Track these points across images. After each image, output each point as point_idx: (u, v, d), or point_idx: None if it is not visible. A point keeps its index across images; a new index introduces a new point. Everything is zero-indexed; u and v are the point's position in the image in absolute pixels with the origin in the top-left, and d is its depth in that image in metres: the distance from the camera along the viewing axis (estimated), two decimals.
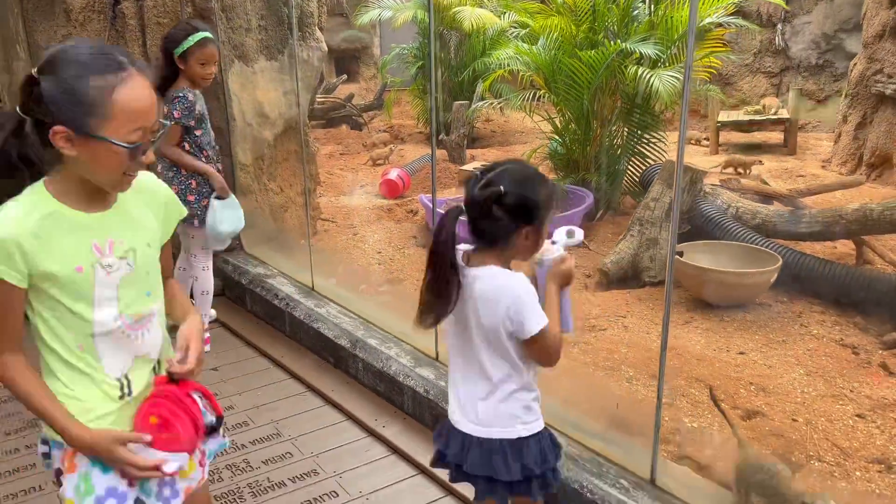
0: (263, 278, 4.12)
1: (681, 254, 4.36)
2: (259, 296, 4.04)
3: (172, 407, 1.46)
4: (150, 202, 1.54)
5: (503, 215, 1.64)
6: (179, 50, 3.23)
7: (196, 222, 3.39)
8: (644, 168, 6.34)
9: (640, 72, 5.69)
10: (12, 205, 1.37)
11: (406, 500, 2.52)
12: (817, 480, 2.68)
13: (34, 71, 1.33)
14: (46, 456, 1.55)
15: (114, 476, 1.45)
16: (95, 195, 1.43)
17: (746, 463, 2.52)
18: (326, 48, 5.35)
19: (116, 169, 1.37)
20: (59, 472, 1.50)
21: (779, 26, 10.87)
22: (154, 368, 1.54)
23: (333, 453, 2.80)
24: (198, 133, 3.39)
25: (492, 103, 7.82)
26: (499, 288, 1.67)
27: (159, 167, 3.40)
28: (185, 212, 1.65)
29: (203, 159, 3.42)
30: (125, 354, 1.48)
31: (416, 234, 6.02)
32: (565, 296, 1.79)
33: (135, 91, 1.33)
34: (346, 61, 13.67)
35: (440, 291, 1.68)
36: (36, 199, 1.38)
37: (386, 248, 5.73)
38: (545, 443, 1.80)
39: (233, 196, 3.51)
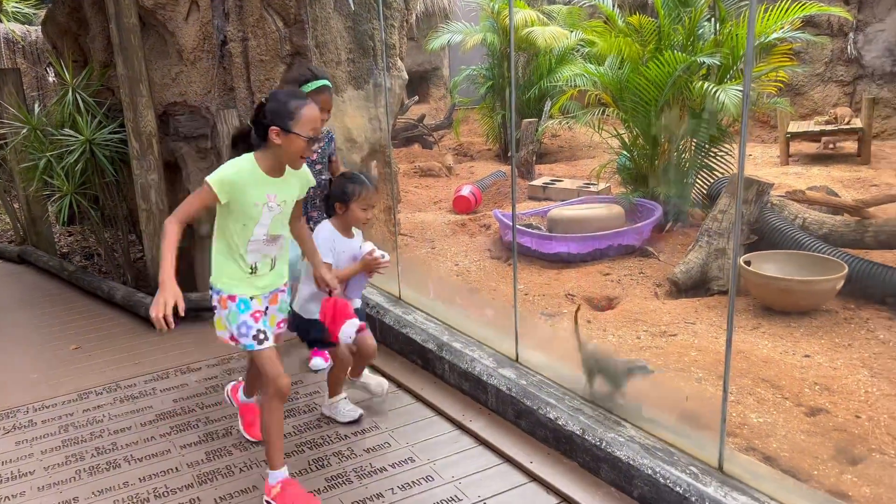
0: None
1: (748, 263, 4.54)
2: None
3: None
4: (299, 177, 2.68)
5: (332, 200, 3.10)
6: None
7: None
8: (711, 181, 6.50)
9: (706, 86, 5.88)
10: (242, 161, 2.54)
11: (493, 484, 2.78)
12: (878, 470, 2.85)
13: (263, 99, 2.55)
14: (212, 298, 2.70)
15: (248, 314, 2.62)
16: (278, 167, 2.57)
17: (587, 354, 3.19)
18: (407, 76, 5.76)
19: (298, 153, 2.52)
20: (214, 308, 2.69)
21: (850, 35, 10.76)
22: (271, 263, 2.70)
23: (426, 444, 3.12)
24: None
25: (560, 121, 8.11)
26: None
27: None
28: (313, 182, 2.79)
29: None
30: (259, 254, 2.64)
31: (489, 248, 6.35)
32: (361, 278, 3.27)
33: (312, 110, 2.51)
34: (416, 83, 14.18)
35: None
36: (250, 162, 2.54)
37: (463, 260, 6.07)
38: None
39: None
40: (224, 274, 2.63)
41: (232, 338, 2.66)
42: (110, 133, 5.12)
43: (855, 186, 7.50)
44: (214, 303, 2.69)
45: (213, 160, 4.96)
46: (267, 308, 2.72)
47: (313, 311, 3.08)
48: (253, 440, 3.19)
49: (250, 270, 2.64)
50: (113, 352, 4.28)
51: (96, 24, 5.40)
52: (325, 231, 3.11)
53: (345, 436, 3.22)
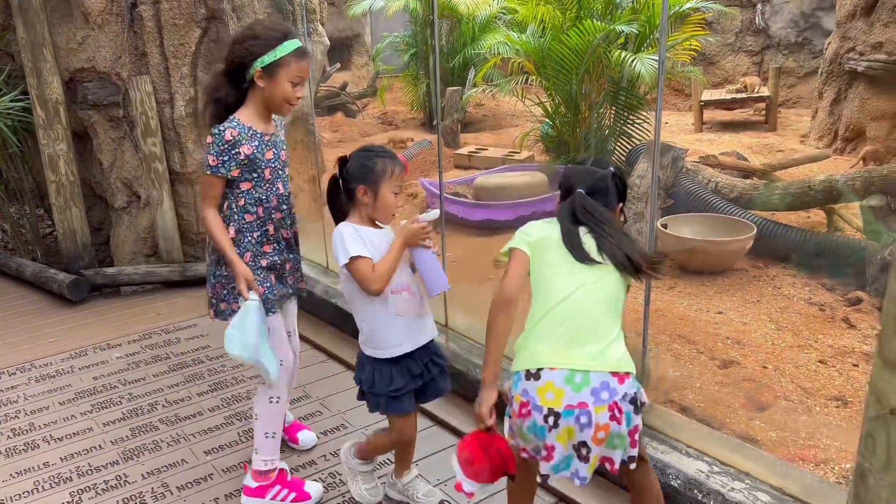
0: None
1: (665, 225, 4.72)
2: None
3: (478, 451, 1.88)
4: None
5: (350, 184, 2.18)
6: (269, 59, 2.24)
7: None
8: (630, 147, 6.70)
9: (623, 55, 6.03)
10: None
11: (426, 446, 2.84)
12: (783, 416, 3.06)
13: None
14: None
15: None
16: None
17: None
18: (329, 42, 5.65)
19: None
20: None
21: (758, 6, 11.19)
22: None
23: (357, 411, 3.11)
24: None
25: (484, 89, 8.14)
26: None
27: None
28: None
29: None
30: None
31: (417, 216, 6.35)
32: (422, 255, 2.21)
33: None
34: (337, 50, 13.91)
35: None
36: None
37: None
38: (378, 369, 2.22)
39: None
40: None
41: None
42: (11, 101, 4.82)
43: (763, 152, 7.87)
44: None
45: (126, 129, 4.76)
46: None
47: None
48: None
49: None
50: (25, 331, 4.10)
51: None
52: (344, 228, 2.17)
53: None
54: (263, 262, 2.42)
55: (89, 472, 2.77)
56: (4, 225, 6.02)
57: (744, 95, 9.55)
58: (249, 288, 2.31)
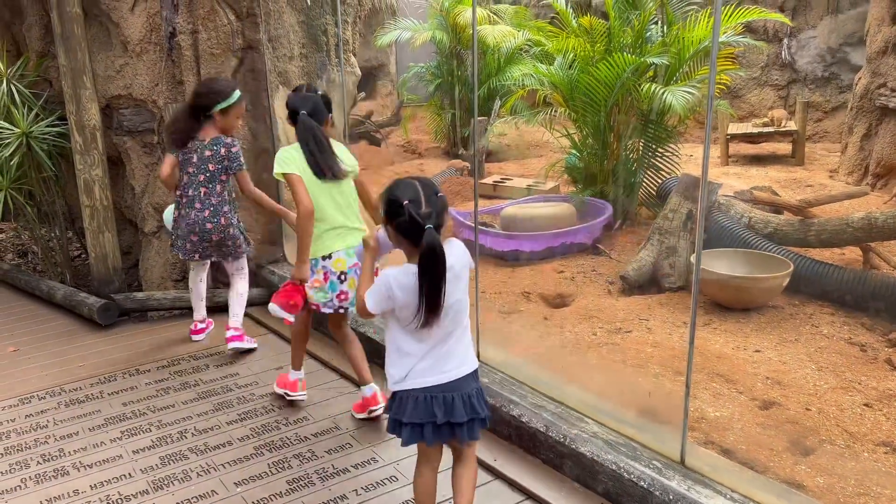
0: None
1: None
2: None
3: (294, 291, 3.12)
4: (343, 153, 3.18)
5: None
6: (226, 104, 3.66)
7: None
8: (658, 180, 6.65)
9: (653, 88, 6.01)
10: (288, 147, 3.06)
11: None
12: (829, 460, 2.96)
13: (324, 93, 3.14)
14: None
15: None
16: None
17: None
18: (360, 72, 5.70)
19: None
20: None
21: (784, 41, 11.18)
22: None
23: (388, 444, 3.05)
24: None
25: (509, 120, 8.15)
26: None
27: (226, 208, 3.84)
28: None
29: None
30: None
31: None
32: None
33: None
34: (363, 79, 14.01)
35: None
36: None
37: None
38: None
39: None
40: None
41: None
42: (48, 126, 4.90)
43: (791, 186, 7.79)
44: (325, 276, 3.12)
45: (160, 155, 4.80)
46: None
47: None
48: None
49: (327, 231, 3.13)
50: (55, 354, 4.09)
51: (33, 13, 5.16)
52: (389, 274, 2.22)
53: (305, 438, 3.16)
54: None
55: (119, 501, 2.74)
56: (35, 247, 6.08)
57: (771, 129, 9.49)
58: None
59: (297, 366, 3.43)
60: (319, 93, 3.11)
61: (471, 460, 2.36)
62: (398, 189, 2.10)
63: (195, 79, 4.52)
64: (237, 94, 3.72)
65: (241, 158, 3.78)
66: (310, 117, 2.99)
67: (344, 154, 3.13)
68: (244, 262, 4.06)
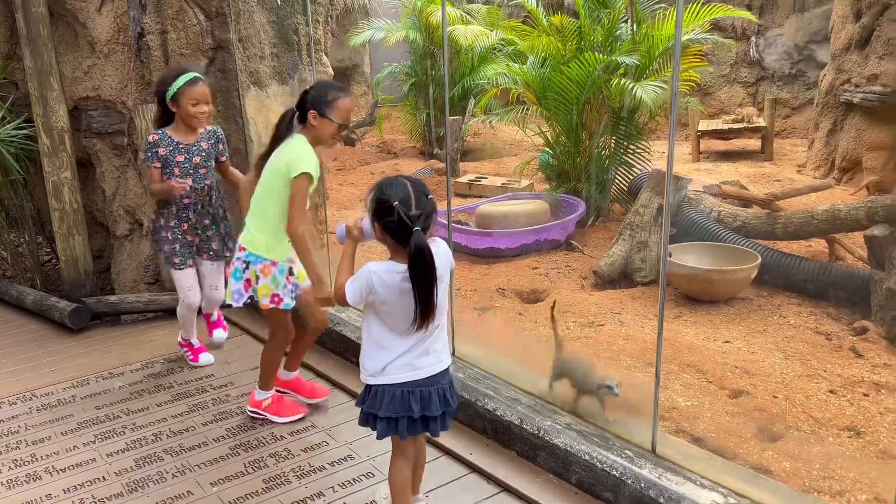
0: None
1: (669, 255, 4.73)
2: None
3: None
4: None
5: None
6: (170, 92, 3.38)
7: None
8: (630, 177, 6.73)
9: (624, 83, 6.09)
10: (302, 143, 2.85)
11: (434, 477, 2.72)
12: (795, 446, 3.04)
13: (308, 88, 2.90)
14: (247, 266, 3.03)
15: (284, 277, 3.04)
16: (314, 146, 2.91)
17: (562, 359, 3.13)
18: (332, 72, 5.69)
19: (331, 135, 2.88)
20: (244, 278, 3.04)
21: (752, 38, 11.36)
22: None
23: (364, 441, 3.07)
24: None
25: (484, 119, 8.21)
26: None
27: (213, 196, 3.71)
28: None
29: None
30: None
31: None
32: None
33: (347, 102, 2.90)
34: (336, 79, 13.98)
35: None
36: (305, 141, 2.86)
37: None
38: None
39: None
40: (266, 243, 2.97)
41: (274, 299, 3.03)
42: (15, 129, 4.83)
43: (760, 181, 7.92)
44: (251, 270, 3.01)
45: (130, 157, 4.77)
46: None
47: None
48: (315, 401, 3.43)
49: (288, 239, 2.93)
50: (26, 359, 4.05)
51: None
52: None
53: (281, 436, 3.16)
54: (170, 236, 3.59)
55: None
56: (3, 252, 5.99)
57: (740, 126, 9.64)
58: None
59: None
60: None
61: (422, 445, 2.50)
62: (389, 188, 2.09)
63: None
64: (184, 77, 3.38)
65: (148, 153, 3.48)
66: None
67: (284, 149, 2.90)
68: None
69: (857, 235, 5.20)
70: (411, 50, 10.70)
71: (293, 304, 3.12)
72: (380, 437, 2.28)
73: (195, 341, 3.93)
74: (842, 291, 4.52)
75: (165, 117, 3.52)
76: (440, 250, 2.18)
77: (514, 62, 7.75)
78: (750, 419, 3.23)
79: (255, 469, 2.91)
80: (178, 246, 3.60)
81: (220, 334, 4.04)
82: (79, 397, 3.58)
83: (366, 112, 12.79)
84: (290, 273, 3.10)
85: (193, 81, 3.39)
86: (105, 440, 3.17)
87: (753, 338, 4.08)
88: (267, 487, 2.79)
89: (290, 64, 5.01)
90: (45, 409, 3.47)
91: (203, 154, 3.57)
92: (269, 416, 3.29)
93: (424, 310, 2.09)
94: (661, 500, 2.39)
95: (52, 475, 2.92)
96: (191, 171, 3.53)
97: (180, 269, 3.62)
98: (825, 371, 3.66)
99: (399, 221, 2.04)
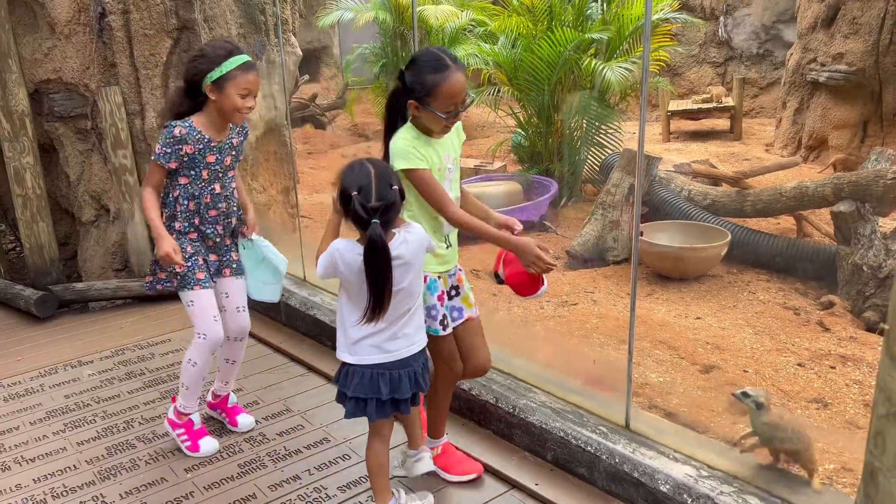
0: None
1: (641, 233, 4.77)
2: None
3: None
4: (457, 131, 2.42)
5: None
6: (216, 75, 2.55)
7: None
8: (602, 157, 6.76)
9: (594, 63, 6.10)
10: (404, 132, 2.26)
11: None
12: None
13: (403, 67, 2.27)
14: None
15: (436, 297, 2.38)
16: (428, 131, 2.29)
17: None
18: (301, 53, 5.61)
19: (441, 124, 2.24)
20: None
21: (721, 19, 11.44)
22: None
23: (340, 424, 3.06)
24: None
25: None
26: None
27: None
28: (464, 137, 2.54)
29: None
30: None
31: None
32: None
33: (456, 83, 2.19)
34: (306, 61, 13.81)
35: None
36: (412, 130, 2.26)
37: None
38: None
39: None
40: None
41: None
42: None
43: (730, 160, 8.01)
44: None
45: (95, 141, 4.66)
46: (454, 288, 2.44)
47: None
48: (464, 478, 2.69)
49: (447, 244, 2.36)
50: None
51: None
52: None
53: (255, 421, 3.13)
54: (189, 249, 2.73)
55: (64, 493, 2.67)
56: None
57: (710, 106, 9.73)
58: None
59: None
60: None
61: (416, 412, 2.46)
62: (351, 175, 2.04)
63: (128, 61, 4.38)
64: (237, 59, 2.58)
65: (167, 148, 2.62)
66: None
67: None
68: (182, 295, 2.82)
69: (823, 212, 5.29)
70: (381, 31, 10.60)
71: (443, 331, 2.41)
72: (347, 416, 2.26)
73: (196, 418, 2.91)
74: (809, 266, 4.60)
75: (188, 104, 2.67)
76: (411, 237, 2.15)
77: (485, 43, 7.71)
78: (721, 393, 3.29)
79: (230, 454, 2.88)
80: (200, 259, 2.75)
81: (246, 420, 3.08)
82: (47, 386, 3.52)
83: (336, 95, 12.67)
84: (451, 294, 2.49)
85: (248, 66, 2.59)
86: (75, 429, 3.12)
87: (724, 314, 4.15)
88: (242, 472, 2.77)
89: (257, 45, 4.93)
90: (12, 399, 3.40)
91: (234, 153, 2.78)
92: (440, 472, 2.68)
93: (376, 304, 2.06)
94: (636, 474, 2.42)
95: (21, 465, 2.86)
96: (220, 175, 2.73)
97: (205, 287, 2.73)
98: (794, 345, 3.73)
99: (355, 214, 2.00)
